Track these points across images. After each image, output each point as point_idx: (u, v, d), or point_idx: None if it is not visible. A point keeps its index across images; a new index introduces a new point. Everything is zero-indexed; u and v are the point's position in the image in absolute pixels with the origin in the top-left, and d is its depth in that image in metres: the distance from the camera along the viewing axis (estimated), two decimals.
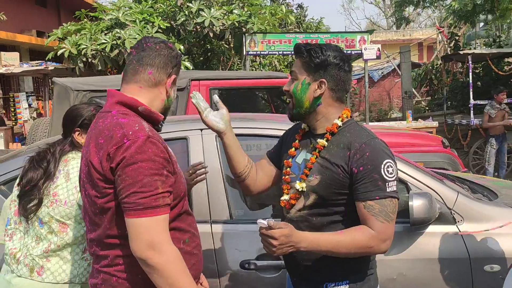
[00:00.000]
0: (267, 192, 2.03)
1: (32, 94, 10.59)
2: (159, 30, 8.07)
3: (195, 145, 2.50)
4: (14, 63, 8.64)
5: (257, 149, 2.79)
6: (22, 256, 1.94)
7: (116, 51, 7.81)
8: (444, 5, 14.16)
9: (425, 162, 4.43)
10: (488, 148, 7.73)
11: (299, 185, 1.73)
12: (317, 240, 1.59)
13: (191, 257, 1.55)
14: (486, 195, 2.79)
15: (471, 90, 9.38)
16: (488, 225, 2.37)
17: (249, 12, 8.46)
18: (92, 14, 9.21)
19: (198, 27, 8.31)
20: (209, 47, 9.51)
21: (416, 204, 2.20)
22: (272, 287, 2.26)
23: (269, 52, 8.36)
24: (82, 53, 7.86)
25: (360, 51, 8.33)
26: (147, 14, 8.33)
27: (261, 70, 10.71)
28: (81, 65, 8.04)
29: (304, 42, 8.33)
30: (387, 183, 1.59)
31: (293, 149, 1.83)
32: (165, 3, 8.81)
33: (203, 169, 2.14)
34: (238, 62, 10.41)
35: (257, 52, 8.30)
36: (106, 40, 7.84)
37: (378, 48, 8.34)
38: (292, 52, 8.79)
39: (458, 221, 2.36)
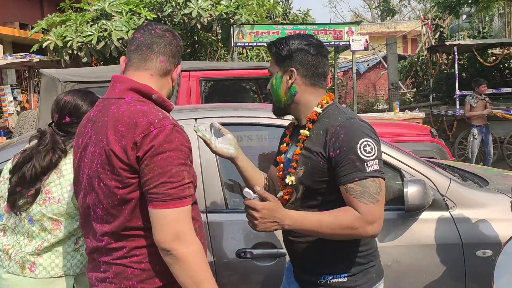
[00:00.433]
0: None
1: (17, 87, 10.40)
2: (146, 21, 7.98)
3: (189, 134, 2.48)
4: None
5: (258, 140, 2.79)
6: (13, 253, 1.91)
7: (103, 43, 7.70)
8: None
9: (414, 151, 4.45)
10: (471, 139, 7.80)
11: (288, 180, 1.72)
12: (302, 219, 1.56)
13: None
14: (477, 181, 2.84)
15: (456, 81, 9.50)
16: (480, 210, 2.41)
17: (236, 3, 8.41)
18: (76, 5, 9.05)
19: (185, 18, 8.24)
20: (196, 39, 9.44)
21: (411, 191, 2.22)
22: (268, 276, 2.27)
23: (257, 44, 8.34)
24: (68, 45, 7.74)
25: (348, 42, 8.37)
26: (134, 5, 8.23)
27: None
28: (67, 57, 7.92)
29: (292, 33, 8.34)
30: (365, 163, 1.52)
31: (284, 144, 1.83)
32: None
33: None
34: (225, 54, 10.37)
35: (245, 44, 8.27)
36: (92, 32, 7.73)
37: (366, 39, 8.39)
38: None
39: (451, 207, 2.40)
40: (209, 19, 8.17)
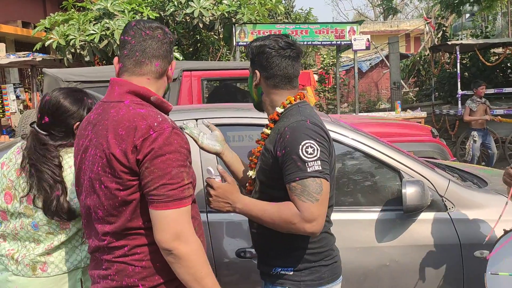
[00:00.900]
0: None
1: (20, 86, 10.44)
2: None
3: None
4: (0, 54, 8.50)
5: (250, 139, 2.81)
6: (20, 257, 1.88)
7: (105, 42, 7.72)
8: None
9: (415, 151, 4.48)
10: (470, 142, 7.78)
11: (250, 172, 1.85)
12: (250, 205, 1.66)
13: None
14: (476, 182, 2.85)
15: (458, 80, 9.48)
16: (479, 211, 2.43)
17: (238, 2, 8.42)
18: (79, 4, 9.08)
19: (187, 17, 8.25)
20: (198, 38, 9.46)
21: (409, 192, 2.24)
22: None
23: None
24: (71, 44, 7.76)
25: (349, 42, 8.37)
26: (136, 4, 8.25)
27: None
28: (70, 56, 7.94)
29: (294, 32, 8.35)
30: (306, 164, 1.57)
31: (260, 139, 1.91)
32: None
33: None
34: (227, 53, 10.37)
35: (247, 43, 8.28)
36: (94, 31, 7.76)
37: (368, 38, 8.39)
38: None
39: (450, 208, 2.42)
40: (211, 18, 8.19)
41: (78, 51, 7.89)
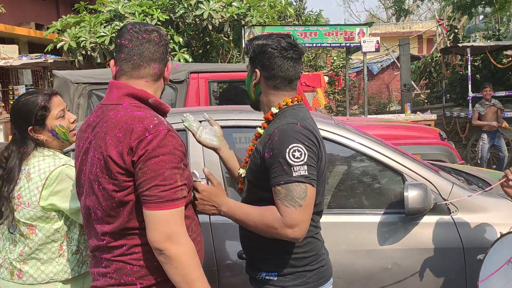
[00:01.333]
0: None
1: (32, 87, 10.58)
2: (158, 22, 8.07)
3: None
4: (13, 56, 8.64)
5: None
6: (1, 259, 1.93)
7: None
8: None
9: (422, 154, 4.47)
10: (480, 144, 7.71)
11: (241, 170, 1.84)
12: (235, 208, 1.65)
13: (197, 244, 1.58)
14: (481, 186, 2.83)
15: (469, 82, 9.39)
16: (482, 215, 2.41)
17: (248, 4, 8.45)
18: (91, 6, 9.19)
19: (197, 19, 8.30)
20: (208, 40, 9.50)
21: (411, 195, 2.24)
22: None
23: None
24: (82, 45, 7.86)
25: (359, 44, 8.34)
26: (146, 7, 8.32)
27: None
28: (81, 58, 8.04)
29: (303, 34, 8.34)
30: (292, 168, 1.54)
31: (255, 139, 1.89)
32: None
33: None
34: (237, 55, 10.41)
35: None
36: (105, 33, 7.84)
37: (377, 40, 8.35)
38: None
39: (453, 212, 2.40)
40: (220, 20, 8.22)
41: (89, 53, 7.99)
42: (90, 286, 1.60)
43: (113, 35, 7.81)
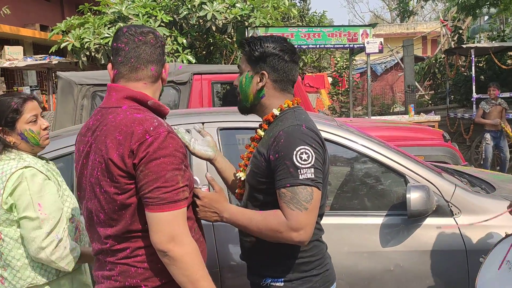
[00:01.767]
0: None
1: (37, 88, 10.64)
2: (162, 24, 8.08)
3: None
4: (18, 57, 8.69)
5: None
6: None
7: None
8: None
9: (425, 155, 4.46)
10: (483, 144, 7.67)
11: (240, 174, 1.80)
12: (237, 214, 1.63)
13: (199, 245, 1.58)
14: (484, 188, 2.83)
15: (473, 84, 9.36)
16: (485, 217, 2.40)
17: (251, 5, 8.46)
18: (95, 8, 9.22)
19: (200, 20, 8.32)
20: (211, 41, 9.51)
21: (414, 197, 2.24)
22: None
23: None
24: (85, 46, 7.89)
25: (362, 45, 8.33)
26: (150, 8, 8.34)
27: None
28: (84, 59, 8.07)
29: (307, 35, 8.35)
30: (299, 170, 1.52)
31: (249, 144, 1.86)
32: None
33: None
34: (241, 56, 10.38)
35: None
36: (109, 34, 7.87)
37: (381, 41, 8.34)
38: (295, 46, 8.82)
39: (456, 214, 2.40)
40: (224, 21, 8.23)
41: (93, 54, 8.02)
42: None
43: None
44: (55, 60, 8.67)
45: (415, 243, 2.35)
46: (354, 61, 13.28)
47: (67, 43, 7.98)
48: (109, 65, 1.61)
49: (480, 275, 2.03)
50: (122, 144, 1.43)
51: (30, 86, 10.22)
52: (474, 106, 9.13)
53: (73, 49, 8.04)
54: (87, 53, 8.00)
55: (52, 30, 8.91)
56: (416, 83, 14.11)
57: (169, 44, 8.05)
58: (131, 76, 1.55)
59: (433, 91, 15.61)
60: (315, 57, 15.50)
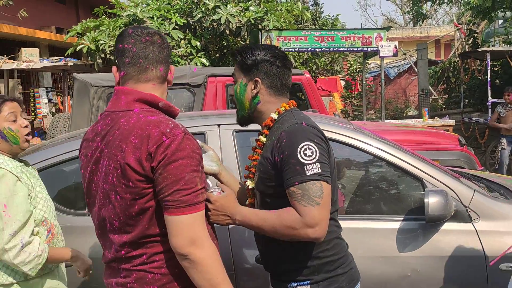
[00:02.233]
0: None
1: (52, 90, 10.77)
2: (176, 26, 8.14)
3: (212, 140, 2.53)
4: (34, 59, 8.80)
5: None
6: None
7: None
8: (462, 1, 13.97)
9: (441, 160, 4.41)
10: (499, 149, 7.57)
11: (248, 182, 1.80)
12: (250, 216, 1.62)
13: None
14: (503, 193, 2.79)
15: (489, 88, 9.26)
16: (504, 223, 2.37)
17: (265, 9, 8.47)
18: (110, 10, 9.32)
19: (214, 23, 8.35)
20: (225, 44, 9.54)
21: (432, 201, 2.21)
22: None
23: (285, 49, 8.36)
24: (101, 48, 7.97)
25: (376, 48, 8.29)
26: (164, 11, 8.40)
27: None
28: (99, 61, 8.15)
29: (320, 38, 8.33)
30: (305, 167, 1.53)
31: (252, 153, 1.86)
32: (182, 0, 8.87)
33: None
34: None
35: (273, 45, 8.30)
36: None
37: (395, 45, 8.29)
38: (308, 49, 8.74)
39: (474, 219, 2.37)
40: (237, 24, 8.26)
41: (108, 56, 8.09)
42: None
43: None
44: (70, 62, 8.77)
45: (433, 249, 2.32)
46: (367, 65, 13.22)
47: (82, 45, 8.07)
48: (114, 68, 1.58)
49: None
50: (139, 147, 1.40)
51: (46, 88, 10.35)
52: (490, 110, 9.03)
53: (88, 51, 8.12)
54: (102, 55, 8.07)
55: (68, 32, 9.02)
56: (430, 87, 13.98)
57: (183, 47, 8.10)
58: (140, 77, 1.52)
59: (446, 95, 15.46)
60: (328, 60, 15.45)
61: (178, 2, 8.81)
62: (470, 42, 13.17)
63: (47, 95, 9.87)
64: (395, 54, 8.35)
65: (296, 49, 8.63)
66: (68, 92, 9.62)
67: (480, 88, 11.41)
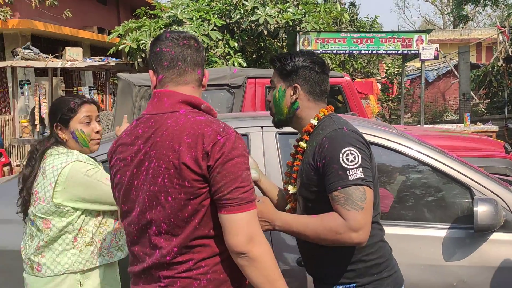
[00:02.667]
0: None
1: (94, 88, 11.09)
2: (215, 27, 8.23)
3: (255, 142, 2.55)
4: (78, 58, 9.08)
5: None
6: (23, 255, 2.04)
7: None
8: (507, 3, 13.51)
9: (485, 167, 4.26)
10: None
11: (290, 188, 1.80)
12: (291, 221, 1.62)
13: None
14: None
15: None
16: None
17: (303, 10, 8.45)
18: (151, 12, 9.52)
19: (252, 25, 8.40)
20: (262, 45, 9.57)
21: (481, 210, 2.15)
22: None
23: (323, 51, 8.31)
24: (141, 48, 8.16)
25: (417, 51, 8.12)
26: (204, 12, 8.51)
27: None
28: (140, 60, 8.34)
29: (359, 41, 8.23)
30: (347, 172, 1.54)
31: (291, 159, 1.86)
32: (221, 1, 8.97)
33: None
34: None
35: (311, 51, 8.28)
36: None
37: (436, 48, 8.10)
38: (346, 51, 8.64)
39: None
40: (275, 26, 8.27)
41: (148, 55, 8.27)
42: None
43: None
44: (112, 61, 9.01)
45: (481, 259, 2.25)
46: (405, 67, 12.98)
47: (124, 45, 8.28)
48: (150, 72, 1.56)
49: None
50: (193, 147, 1.40)
51: (89, 86, 10.67)
52: None
53: (129, 51, 8.32)
54: (143, 55, 8.26)
55: (109, 33, 9.27)
56: (471, 91, 13.59)
57: (221, 47, 8.19)
58: (180, 80, 1.52)
59: (488, 100, 14.98)
60: (364, 62, 15.26)
61: (217, 3, 8.91)
62: None
63: (90, 94, 10.17)
64: (436, 57, 8.17)
65: (334, 51, 8.56)
66: (109, 90, 9.88)
67: None
